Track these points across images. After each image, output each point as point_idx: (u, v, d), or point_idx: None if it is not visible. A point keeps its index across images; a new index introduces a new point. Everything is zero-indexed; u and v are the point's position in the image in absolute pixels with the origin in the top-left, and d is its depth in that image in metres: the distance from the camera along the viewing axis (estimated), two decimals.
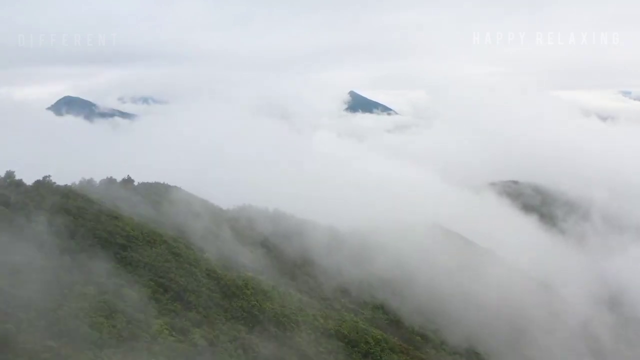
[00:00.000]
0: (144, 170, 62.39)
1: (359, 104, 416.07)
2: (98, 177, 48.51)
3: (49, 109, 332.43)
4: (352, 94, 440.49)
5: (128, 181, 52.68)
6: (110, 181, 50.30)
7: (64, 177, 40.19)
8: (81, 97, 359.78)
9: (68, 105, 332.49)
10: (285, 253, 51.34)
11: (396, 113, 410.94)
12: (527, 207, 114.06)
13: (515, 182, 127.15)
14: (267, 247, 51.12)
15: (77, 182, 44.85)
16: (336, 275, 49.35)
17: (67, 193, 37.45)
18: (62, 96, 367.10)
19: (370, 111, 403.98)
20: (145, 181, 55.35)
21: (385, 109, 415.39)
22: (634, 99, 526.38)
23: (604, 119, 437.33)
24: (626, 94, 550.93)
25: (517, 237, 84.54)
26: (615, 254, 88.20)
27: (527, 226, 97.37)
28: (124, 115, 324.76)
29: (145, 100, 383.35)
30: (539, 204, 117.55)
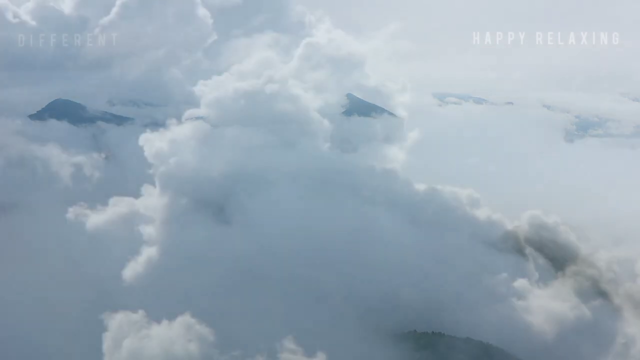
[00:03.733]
0: None
1: (356, 107, 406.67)
2: None
3: (37, 112, 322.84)
4: (350, 97, 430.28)
5: None
6: None
7: None
8: (72, 99, 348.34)
9: (58, 108, 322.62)
10: None
11: (394, 116, 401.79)
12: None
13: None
14: None
15: None
16: None
17: None
18: (54, 98, 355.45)
19: (369, 114, 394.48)
20: None
21: (384, 112, 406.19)
22: (633, 100, 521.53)
23: (603, 120, 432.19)
24: (625, 95, 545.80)
25: None
26: None
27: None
28: (111, 119, 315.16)
29: (135, 102, 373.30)
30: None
